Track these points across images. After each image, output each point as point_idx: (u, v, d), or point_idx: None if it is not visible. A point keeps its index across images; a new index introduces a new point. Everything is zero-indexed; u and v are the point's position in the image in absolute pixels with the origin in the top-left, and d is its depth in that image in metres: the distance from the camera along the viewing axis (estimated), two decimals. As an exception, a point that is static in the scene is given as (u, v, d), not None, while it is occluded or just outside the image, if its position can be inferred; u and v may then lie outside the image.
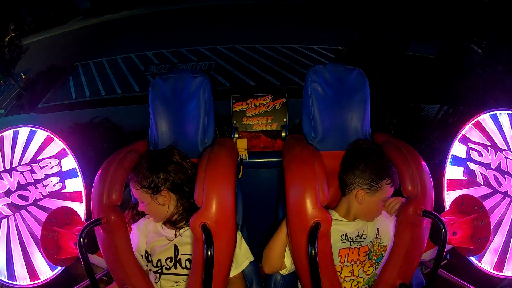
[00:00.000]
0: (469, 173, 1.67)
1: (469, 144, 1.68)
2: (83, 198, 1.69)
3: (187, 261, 1.40)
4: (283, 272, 1.46)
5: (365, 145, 1.45)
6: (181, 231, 1.43)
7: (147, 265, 1.44)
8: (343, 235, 1.41)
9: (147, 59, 10.52)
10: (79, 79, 9.98)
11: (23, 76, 10.03)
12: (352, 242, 1.40)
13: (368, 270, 1.40)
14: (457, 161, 1.70)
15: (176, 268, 1.40)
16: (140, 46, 11.48)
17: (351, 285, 1.39)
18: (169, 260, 1.41)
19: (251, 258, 1.47)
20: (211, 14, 14.46)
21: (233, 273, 1.40)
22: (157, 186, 1.38)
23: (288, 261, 1.42)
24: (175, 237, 1.43)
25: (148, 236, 1.46)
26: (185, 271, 1.40)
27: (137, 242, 1.45)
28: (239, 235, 1.44)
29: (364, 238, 1.41)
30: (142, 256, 1.45)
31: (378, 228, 1.43)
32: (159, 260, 1.41)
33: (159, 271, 1.41)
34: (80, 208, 1.67)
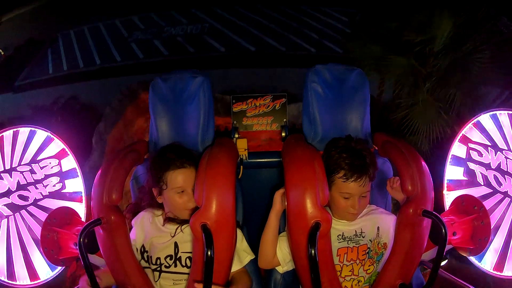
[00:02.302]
0: (469, 173, 1.67)
1: (469, 144, 1.68)
2: (83, 198, 1.70)
3: (187, 259, 1.40)
4: (279, 269, 1.46)
5: (341, 142, 1.44)
6: (183, 227, 1.43)
7: (140, 260, 1.42)
8: (339, 234, 1.41)
9: (131, 24, 9.49)
10: (58, 52, 9.03)
11: (2, 53, 9.31)
12: (349, 241, 1.40)
13: (369, 269, 1.40)
14: (457, 161, 1.71)
15: (176, 266, 1.40)
16: (126, 10, 10.28)
17: (352, 284, 1.39)
18: (168, 258, 1.41)
19: (253, 255, 1.47)
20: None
21: (237, 267, 1.40)
22: None
23: (280, 254, 1.42)
24: (176, 233, 1.42)
25: (146, 229, 1.45)
26: (185, 270, 1.39)
27: (134, 234, 1.44)
28: (240, 232, 1.45)
29: (363, 237, 1.41)
30: (137, 249, 1.44)
31: (378, 227, 1.43)
32: (158, 258, 1.41)
33: (158, 269, 1.40)
34: (80, 208, 1.68)
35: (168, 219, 1.45)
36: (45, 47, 9.42)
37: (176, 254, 1.41)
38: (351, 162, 1.35)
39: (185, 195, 1.39)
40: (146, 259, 1.43)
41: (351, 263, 1.39)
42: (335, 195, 1.38)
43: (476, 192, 1.63)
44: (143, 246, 1.44)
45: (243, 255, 1.44)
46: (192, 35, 8.32)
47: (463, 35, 2.97)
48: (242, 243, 1.45)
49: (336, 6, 8.58)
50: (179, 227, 1.43)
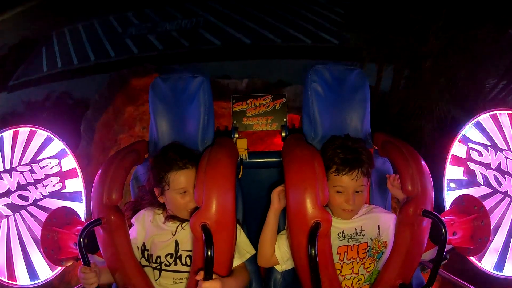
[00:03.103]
0: (469, 173, 1.67)
1: (469, 144, 1.68)
2: (83, 198, 1.70)
3: (187, 258, 1.40)
4: (278, 268, 1.46)
5: (339, 140, 1.45)
6: (183, 224, 1.43)
7: (140, 259, 1.42)
8: (340, 232, 1.41)
9: (126, 20, 9.56)
10: (52, 50, 9.11)
11: None
12: (350, 239, 1.40)
13: (369, 267, 1.40)
14: (457, 161, 1.71)
15: (176, 264, 1.40)
16: (120, 6, 10.24)
17: (352, 283, 1.39)
18: (169, 256, 1.40)
19: (253, 251, 1.47)
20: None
21: (236, 262, 1.40)
22: None
23: (278, 252, 1.42)
24: (177, 232, 1.42)
25: (147, 228, 1.45)
26: (185, 268, 1.39)
27: (135, 232, 1.44)
28: (240, 228, 1.45)
29: (363, 235, 1.41)
30: (138, 247, 1.44)
31: (379, 225, 1.43)
32: (159, 257, 1.41)
33: (158, 267, 1.40)
34: (80, 208, 1.68)
35: (169, 217, 1.45)
36: (39, 46, 9.38)
37: (176, 252, 1.41)
38: (344, 157, 1.37)
39: (187, 195, 1.39)
40: (146, 257, 1.42)
41: (351, 261, 1.39)
42: (330, 191, 1.38)
43: (476, 192, 1.63)
44: (143, 244, 1.44)
45: (243, 250, 1.44)
46: (187, 29, 8.35)
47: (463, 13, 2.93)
48: (242, 239, 1.45)
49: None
50: (180, 225, 1.43)
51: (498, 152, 1.61)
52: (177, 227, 1.43)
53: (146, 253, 1.43)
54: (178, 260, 1.40)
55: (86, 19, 10.13)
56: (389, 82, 3.67)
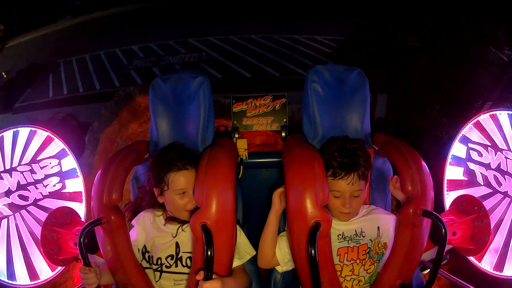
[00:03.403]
0: (469, 173, 1.67)
1: (469, 144, 1.68)
2: (83, 198, 1.70)
3: (188, 259, 1.40)
4: (278, 269, 1.46)
5: (337, 142, 1.45)
6: (184, 226, 1.43)
7: (141, 261, 1.43)
8: (340, 234, 1.41)
9: (131, 53, 10.03)
10: (59, 77, 9.53)
11: (5, 76, 9.61)
12: (350, 241, 1.40)
13: (369, 269, 1.40)
14: (457, 161, 1.71)
15: (176, 266, 1.40)
16: (126, 41, 10.91)
17: (352, 284, 1.39)
18: (169, 258, 1.41)
19: (253, 252, 1.47)
20: (203, 4, 13.49)
21: (235, 264, 1.40)
22: None
23: (279, 254, 1.43)
24: (177, 233, 1.43)
25: (148, 230, 1.45)
26: (186, 270, 1.39)
27: (136, 234, 1.44)
28: (240, 229, 1.45)
29: (363, 237, 1.41)
30: (138, 249, 1.44)
31: (378, 226, 1.43)
32: (159, 258, 1.41)
33: (159, 269, 1.40)
34: (80, 208, 1.68)
35: (169, 219, 1.45)
36: (46, 72, 9.84)
37: (177, 254, 1.41)
38: (341, 161, 1.37)
39: (186, 196, 1.39)
40: (147, 259, 1.43)
41: (352, 263, 1.39)
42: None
43: (476, 192, 1.63)
44: (144, 246, 1.44)
45: (242, 252, 1.45)
46: (190, 63, 8.80)
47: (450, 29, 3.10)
48: (241, 240, 1.45)
49: (326, 35, 9.11)
50: (180, 227, 1.43)
51: (498, 152, 1.61)
52: (178, 229, 1.43)
53: (147, 255, 1.43)
54: (178, 262, 1.40)
55: (94, 50, 10.67)
56: (384, 106, 3.81)
